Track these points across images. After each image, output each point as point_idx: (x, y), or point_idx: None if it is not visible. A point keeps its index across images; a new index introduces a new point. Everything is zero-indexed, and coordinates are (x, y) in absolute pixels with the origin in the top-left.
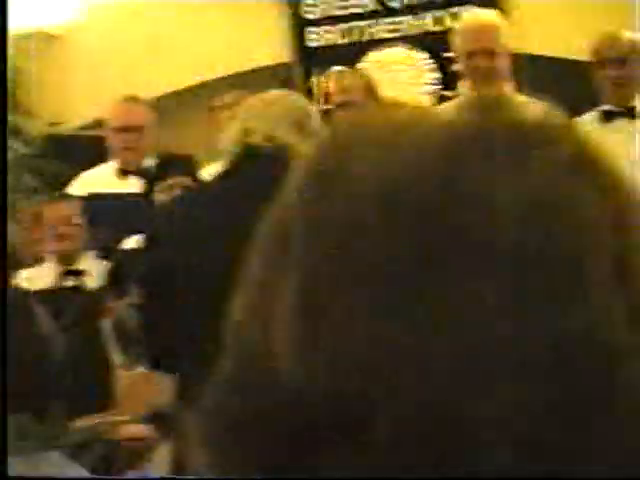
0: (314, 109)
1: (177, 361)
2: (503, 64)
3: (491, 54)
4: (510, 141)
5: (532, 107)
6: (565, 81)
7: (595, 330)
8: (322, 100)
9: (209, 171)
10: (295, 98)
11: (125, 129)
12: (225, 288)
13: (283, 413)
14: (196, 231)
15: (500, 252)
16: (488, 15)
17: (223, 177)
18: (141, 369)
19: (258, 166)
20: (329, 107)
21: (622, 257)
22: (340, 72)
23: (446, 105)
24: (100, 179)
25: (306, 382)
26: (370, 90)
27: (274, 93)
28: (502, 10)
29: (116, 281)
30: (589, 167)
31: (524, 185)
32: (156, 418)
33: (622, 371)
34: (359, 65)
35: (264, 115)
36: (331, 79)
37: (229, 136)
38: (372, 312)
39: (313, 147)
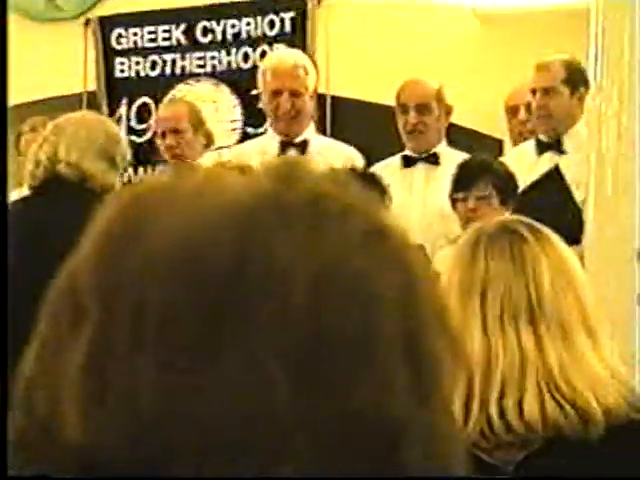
0: (122, 136)
1: None
2: (307, 105)
3: (295, 94)
4: (305, 213)
5: (329, 175)
6: (373, 125)
7: (380, 407)
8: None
9: (12, 196)
10: (105, 124)
11: None
12: (24, 320)
13: (67, 471)
14: None
15: (289, 323)
16: (293, 55)
17: (25, 202)
18: None
19: (62, 194)
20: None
21: (411, 333)
22: (170, 100)
23: (247, 147)
24: None
25: (91, 440)
26: (197, 119)
27: (84, 117)
28: (309, 51)
29: None
30: (381, 242)
31: (315, 258)
32: None
33: (405, 446)
34: (167, 98)
35: (71, 142)
36: (161, 107)
37: (35, 160)
38: (156, 370)
39: (111, 206)
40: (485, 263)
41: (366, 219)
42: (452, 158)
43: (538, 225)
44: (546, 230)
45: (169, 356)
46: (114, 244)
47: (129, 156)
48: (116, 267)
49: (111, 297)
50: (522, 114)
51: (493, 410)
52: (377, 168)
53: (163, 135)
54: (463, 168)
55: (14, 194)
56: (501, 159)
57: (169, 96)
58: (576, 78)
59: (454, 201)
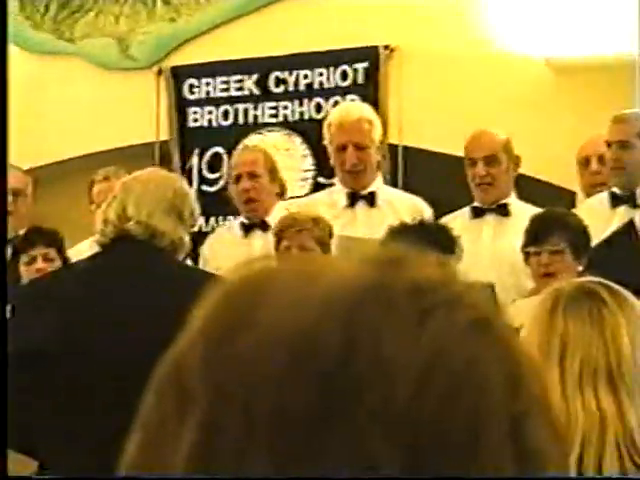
0: (191, 192)
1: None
2: (373, 158)
3: (360, 148)
4: (411, 303)
5: (433, 262)
6: (445, 175)
7: None
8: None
9: (78, 248)
10: (172, 180)
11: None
12: (96, 374)
13: None
14: (63, 313)
15: (396, 413)
16: (358, 108)
17: (95, 260)
18: None
19: (131, 252)
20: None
21: (516, 419)
22: (246, 146)
23: (317, 198)
24: None
25: None
26: (273, 166)
27: (152, 174)
28: (381, 102)
29: None
30: (487, 331)
31: (422, 348)
32: None
33: None
34: (250, 144)
35: (140, 200)
36: (237, 152)
37: (105, 218)
38: (269, 459)
39: (217, 291)
40: (564, 325)
41: (471, 307)
42: (522, 210)
43: (617, 287)
44: (625, 292)
45: (281, 450)
46: (222, 330)
47: (198, 211)
48: (225, 354)
49: (220, 385)
50: (594, 165)
51: (572, 472)
52: (447, 220)
53: (237, 179)
54: (537, 222)
55: (86, 242)
56: (575, 211)
57: (241, 145)
58: None
59: (527, 254)
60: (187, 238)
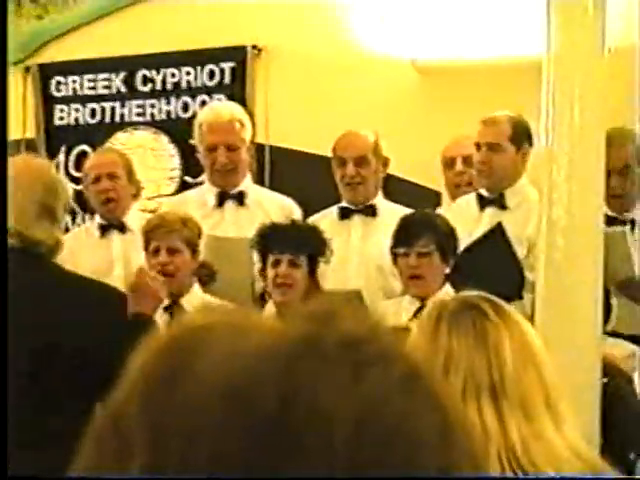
0: (62, 179)
1: None
2: (243, 158)
3: (231, 149)
4: (345, 357)
5: (361, 318)
6: (312, 175)
7: None
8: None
9: None
10: (40, 174)
11: None
12: None
13: None
14: None
15: (333, 464)
16: (229, 109)
17: None
18: None
19: (9, 261)
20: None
21: (447, 472)
22: (103, 148)
23: (186, 197)
24: None
25: None
26: (130, 168)
27: (18, 174)
28: (249, 102)
29: None
30: (418, 384)
31: (357, 402)
32: None
33: None
34: (106, 146)
35: (9, 207)
36: (95, 154)
37: None
38: None
39: (158, 340)
40: (448, 340)
41: (403, 362)
42: (389, 210)
43: (500, 301)
44: (508, 307)
45: None
46: (160, 379)
47: (70, 199)
48: (163, 403)
49: (158, 433)
50: (459, 166)
51: None
52: (314, 220)
53: (96, 180)
54: (405, 223)
55: None
56: (443, 212)
57: (107, 144)
58: (521, 135)
59: (395, 256)
60: (62, 236)
